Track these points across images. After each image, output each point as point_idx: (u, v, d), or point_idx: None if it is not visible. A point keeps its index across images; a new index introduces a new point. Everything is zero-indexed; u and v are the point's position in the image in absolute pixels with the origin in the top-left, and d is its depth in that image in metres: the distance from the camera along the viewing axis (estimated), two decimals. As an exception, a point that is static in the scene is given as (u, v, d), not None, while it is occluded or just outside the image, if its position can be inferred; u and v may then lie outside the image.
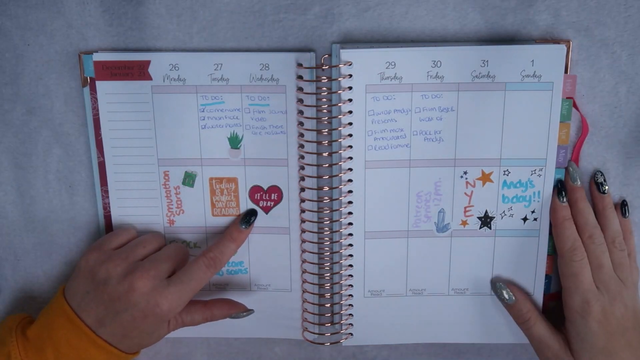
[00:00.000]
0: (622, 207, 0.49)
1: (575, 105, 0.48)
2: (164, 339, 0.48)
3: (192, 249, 0.52)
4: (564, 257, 0.47)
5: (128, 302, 0.43)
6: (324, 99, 0.48)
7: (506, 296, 0.49)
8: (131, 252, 0.46)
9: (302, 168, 0.49)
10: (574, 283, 0.46)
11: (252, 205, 0.51)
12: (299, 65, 0.47)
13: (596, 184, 0.49)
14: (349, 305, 0.52)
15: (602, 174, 0.49)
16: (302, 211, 0.50)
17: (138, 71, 0.48)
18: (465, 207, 0.50)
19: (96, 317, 0.44)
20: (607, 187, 0.48)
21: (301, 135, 0.49)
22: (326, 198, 0.49)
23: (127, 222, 0.51)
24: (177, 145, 0.49)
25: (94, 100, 0.49)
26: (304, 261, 0.51)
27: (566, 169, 0.49)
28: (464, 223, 0.50)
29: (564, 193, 0.48)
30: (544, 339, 0.48)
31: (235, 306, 0.50)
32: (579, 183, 0.48)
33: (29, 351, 0.45)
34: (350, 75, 0.47)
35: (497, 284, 0.50)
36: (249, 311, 0.50)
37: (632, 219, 0.50)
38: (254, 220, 0.50)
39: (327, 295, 0.52)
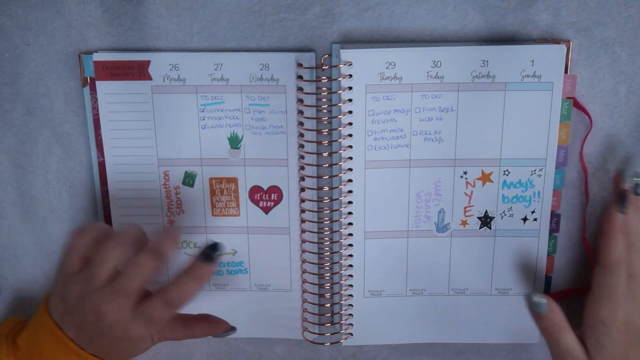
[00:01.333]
0: None
1: (576, 104, 0.48)
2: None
3: (192, 249, 0.52)
4: (606, 269, 0.45)
5: (98, 329, 0.41)
6: (324, 99, 0.48)
7: (543, 310, 0.46)
8: (92, 277, 0.41)
9: (302, 168, 0.49)
10: (608, 294, 0.45)
11: (252, 206, 0.51)
12: (299, 65, 0.47)
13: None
14: (349, 305, 0.52)
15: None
16: (302, 211, 0.50)
17: (138, 71, 0.48)
18: (465, 207, 0.50)
19: (76, 336, 0.42)
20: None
21: (301, 135, 0.49)
22: (326, 198, 0.49)
23: (127, 223, 0.51)
24: (177, 145, 0.49)
25: (94, 100, 0.49)
26: (304, 261, 0.51)
27: (616, 181, 0.47)
28: (464, 223, 0.50)
29: (625, 203, 0.45)
30: (570, 349, 0.45)
31: (216, 325, 0.46)
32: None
33: (19, 359, 0.44)
34: (350, 75, 0.47)
35: (534, 297, 0.46)
36: (231, 330, 0.47)
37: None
38: (216, 255, 0.42)
39: (327, 295, 0.52)
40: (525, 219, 0.50)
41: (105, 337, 0.42)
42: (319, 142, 0.48)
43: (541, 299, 0.46)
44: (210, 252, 0.42)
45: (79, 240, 0.43)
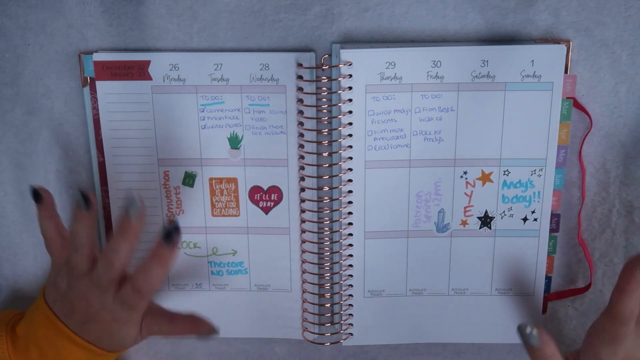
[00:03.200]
0: None
1: (576, 104, 0.48)
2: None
3: (192, 249, 0.52)
4: (616, 320, 0.44)
5: (87, 315, 0.43)
6: (324, 99, 0.48)
7: (535, 342, 0.45)
8: (72, 267, 0.43)
9: (302, 168, 0.49)
10: (613, 340, 0.44)
11: (252, 206, 0.50)
12: (299, 65, 0.47)
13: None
14: (349, 305, 0.52)
15: None
16: (302, 211, 0.50)
17: (138, 71, 0.48)
18: (465, 207, 0.50)
19: (69, 322, 0.44)
20: None
21: (301, 135, 0.49)
22: (326, 198, 0.49)
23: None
24: (177, 145, 0.49)
25: (94, 100, 0.49)
26: (304, 261, 0.51)
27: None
28: (464, 223, 0.50)
29: None
30: None
31: (199, 325, 0.45)
32: None
33: (17, 348, 0.45)
34: (350, 75, 0.47)
35: (526, 328, 0.45)
36: (213, 332, 0.45)
37: (633, 219, 0.50)
38: (176, 235, 0.41)
39: (327, 295, 0.52)
40: (525, 219, 0.50)
41: (95, 322, 0.43)
42: (319, 142, 0.48)
43: (533, 331, 0.45)
44: (171, 231, 0.41)
45: (48, 226, 0.44)
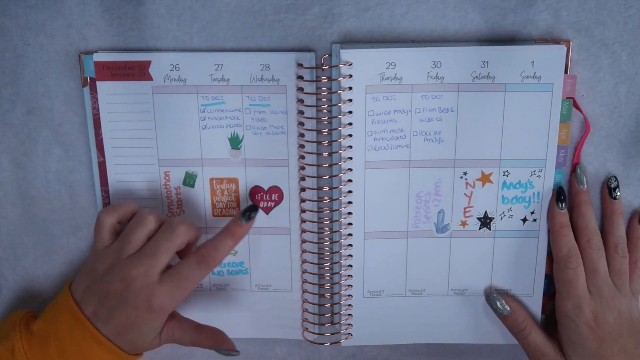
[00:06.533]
0: None
1: (576, 105, 0.48)
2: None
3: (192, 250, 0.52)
4: (559, 264, 0.47)
5: (121, 298, 0.43)
6: (324, 99, 0.48)
7: (500, 307, 0.50)
8: (124, 244, 0.45)
9: (303, 168, 0.49)
10: (567, 289, 0.47)
11: (252, 206, 0.51)
12: (299, 65, 0.47)
13: (609, 188, 0.49)
14: (349, 305, 0.52)
15: (617, 180, 0.48)
16: (302, 211, 0.50)
17: (138, 71, 0.48)
18: (464, 208, 0.50)
19: (95, 312, 0.44)
20: (619, 193, 0.48)
21: (301, 135, 0.49)
22: (326, 198, 0.49)
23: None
24: (178, 145, 0.49)
25: (94, 100, 0.49)
26: (304, 261, 0.51)
27: (573, 171, 0.49)
28: (464, 224, 0.50)
29: (563, 199, 0.48)
30: (539, 347, 0.48)
31: (222, 341, 0.48)
32: (586, 187, 0.48)
33: (33, 345, 0.44)
34: (350, 76, 0.46)
35: (491, 295, 0.50)
36: (234, 352, 0.48)
37: (633, 219, 0.50)
38: (255, 215, 0.47)
39: (327, 295, 0.52)
40: (524, 220, 0.50)
41: (126, 309, 0.43)
42: (319, 142, 0.48)
43: (498, 298, 0.49)
44: (250, 212, 0.46)
45: (107, 217, 0.46)
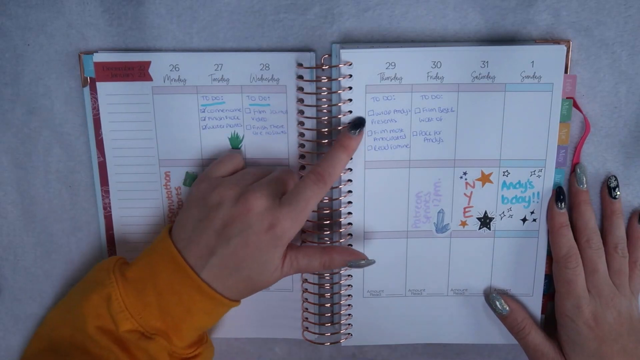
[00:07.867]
0: None
1: (576, 105, 0.48)
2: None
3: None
4: (559, 264, 0.48)
5: (242, 223, 0.42)
6: (324, 99, 0.48)
7: (499, 307, 0.50)
8: (241, 178, 0.45)
9: (303, 168, 0.49)
10: (567, 289, 0.47)
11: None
12: (299, 65, 0.47)
13: (608, 188, 0.49)
14: (348, 305, 0.52)
15: (616, 179, 0.48)
16: (302, 211, 0.50)
17: (138, 72, 0.48)
18: (464, 208, 0.50)
19: (206, 249, 0.43)
20: (619, 193, 0.48)
21: (301, 135, 0.49)
22: (326, 198, 0.49)
23: (128, 223, 0.51)
24: (178, 145, 0.49)
25: (94, 100, 0.49)
26: (304, 261, 0.51)
27: (572, 171, 0.49)
28: (464, 224, 0.50)
29: (562, 198, 0.48)
30: (539, 347, 0.48)
31: (355, 253, 0.46)
32: (585, 187, 0.48)
33: (130, 293, 0.43)
34: (350, 75, 0.47)
35: (491, 295, 0.50)
36: (370, 261, 0.47)
37: (633, 219, 0.50)
38: (363, 128, 0.46)
39: (327, 295, 0.52)
40: (524, 220, 0.50)
41: (237, 245, 0.42)
42: (319, 142, 0.48)
43: (498, 298, 0.50)
44: (359, 122, 0.46)
45: (233, 156, 0.48)
